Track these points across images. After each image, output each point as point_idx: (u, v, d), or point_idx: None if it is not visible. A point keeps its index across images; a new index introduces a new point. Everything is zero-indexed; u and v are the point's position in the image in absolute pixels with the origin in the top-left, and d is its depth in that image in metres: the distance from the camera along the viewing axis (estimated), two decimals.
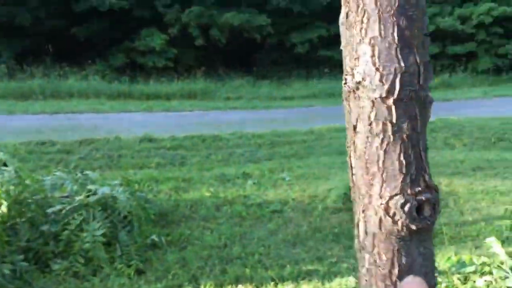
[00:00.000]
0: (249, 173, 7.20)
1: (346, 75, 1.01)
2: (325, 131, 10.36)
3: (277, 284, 3.84)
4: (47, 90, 14.34)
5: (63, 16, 18.15)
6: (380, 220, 0.96)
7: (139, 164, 7.82)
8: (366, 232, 1.00)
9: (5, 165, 4.55)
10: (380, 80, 0.93)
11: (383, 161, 0.94)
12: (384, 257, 0.97)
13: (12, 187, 4.19)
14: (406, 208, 0.93)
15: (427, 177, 0.96)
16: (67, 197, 4.54)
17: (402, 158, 0.93)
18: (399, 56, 0.92)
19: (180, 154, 8.50)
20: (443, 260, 3.70)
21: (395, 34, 0.92)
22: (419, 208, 0.95)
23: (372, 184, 0.97)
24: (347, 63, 1.01)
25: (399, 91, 0.92)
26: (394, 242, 0.95)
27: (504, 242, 4.22)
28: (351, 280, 3.87)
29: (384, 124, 0.93)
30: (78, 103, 13.36)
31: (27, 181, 4.40)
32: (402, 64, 0.92)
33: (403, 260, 0.94)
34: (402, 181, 0.94)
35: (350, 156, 1.02)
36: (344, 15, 0.98)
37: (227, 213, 5.51)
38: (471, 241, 4.66)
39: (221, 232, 4.91)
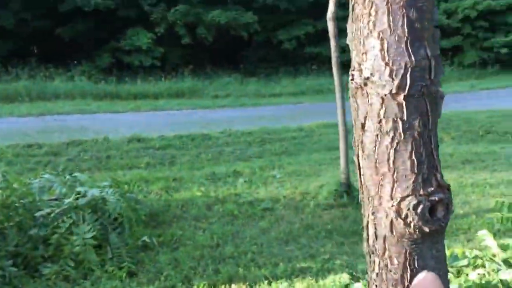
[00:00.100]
0: (240, 171, 7.17)
1: (352, 70, 0.96)
2: (314, 128, 10.36)
3: (270, 282, 3.81)
4: (33, 92, 14.19)
5: (48, 16, 17.94)
6: (391, 223, 0.92)
7: (128, 164, 7.75)
8: (376, 235, 0.96)
9: None
10: (390, 76, 0.88)
11: (394, 161, 0.90)
12: (395, 261, 0.93)
13: None
14: (419, 209, 0.90)
15: (439, 176, 0.92)
16: (55, 200, 4.48)
17: (413, 157, 0.90)
18: (410, 50, 0.88)
19: (169, 153, 8.44)
20: None
21: (405, 27, 0.88)
22: (431, 209, 0.91)
23: (382, 185, 0.93)
24: (353, 58, 0.96)
25: (409, 87, 0.88)
26: (406, 245, 0.92)
27: (495, 234, 4.24)
28: (344, 276, 3.86)
29: (394, 121, 0.89)
30: (65, 104, 13.22)
31: (15, 185, 4.32)
32: (413, 58, 0.88)
33: (416, 263, 0.91)
34: (414, 181, 0.90)
35: (357, 156, 0.97)
36: (351, 9, 0.93)
37: (218, 212, 5.47)
38: (463, 234, 4.68)
39: (213, 231, 4.88)
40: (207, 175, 6.96)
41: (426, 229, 0.89)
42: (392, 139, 0.90)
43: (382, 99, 0.89)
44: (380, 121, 0.90)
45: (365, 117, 0.93)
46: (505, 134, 10.15)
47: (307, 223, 5.11)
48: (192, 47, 19.47)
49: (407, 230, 0.90)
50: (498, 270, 3.29)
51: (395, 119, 0.89)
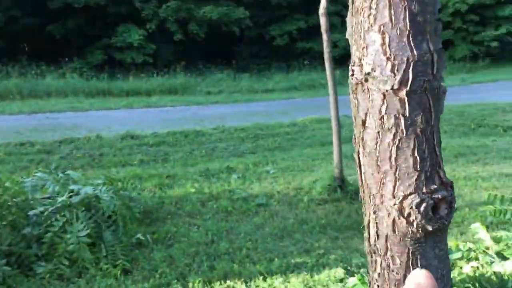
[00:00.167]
0: (233, 167, 7.17)
1: (353, 66, 0.92)
2: (307, 123, 10.37)
3: (265, 278, 3.82)
4: (24, 90, 14.08)
5: (38, 14, 17.79)
6: (394, 222, 0.89)
7: (122, 161, 7.72)
8: (377, 235, 0.92)
9: None
10: (392, 71, 0.85)
11: (396, 158, 0.87)
12: (398, 261, 0.89)
13: None
14: (422, 208, 0.86)
15: (442, 173, 0.89)
16: (48, 198, 4.45)
17: (416, 154, 0.87)
18: (412, 44, 0.85)
19: (163, 150, 8.42)
20: None
21: (407, 20, 0.84)
22: (434, 207, 0.88)
23: (383, 183, 0.89)
24: (353, 53, 0.91)
25: (412, 82, 0.85)
26: (409, 244, 0.89)
27: (488, 227, 4.28)
28: (339, 271, 3.87)
29: (396, 118, 0.86)
30: (57, 102, 13.14)
31: (7, 184, 4.29)
32: (415, 53, 0.85)
33: (419, 263, 0.87)
34: (416, 179, 0.87)
35: (358, 153, 0.94)
36: (351, 2, 0.88)
37: (212, 208, 5.46)
38: (456, 227, 4.70)
39: (207, 228, 4.87)
40: (201, 172, 6.95)
41: (429, 228, 0.86)
42: (394, 136, 0.87)
43: (384, 95, 0.86)
44: (381, 118, 0.87)
45: (366, 114, 0.90)
46: (496, 127, 10.22)
47: (301, 218, 5.12)
48: (184, 43, 19.40)
49: (409, 229, 0.87)
50: (492, 262, 3.32)
51: (397, 115, 0.86)
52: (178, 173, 6.90)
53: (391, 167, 0.87)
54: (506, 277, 3.07)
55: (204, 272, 3.93)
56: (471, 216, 4.94)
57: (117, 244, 4.16)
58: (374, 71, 0.87)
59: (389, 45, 0.85)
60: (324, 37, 5.52)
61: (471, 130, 10.06)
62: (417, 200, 0.86)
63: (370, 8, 0.86)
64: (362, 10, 0.87)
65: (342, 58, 20.02)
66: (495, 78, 18.26)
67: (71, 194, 4.36)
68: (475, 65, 21.52)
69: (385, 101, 0.86)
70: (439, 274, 0.90)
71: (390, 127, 0.86)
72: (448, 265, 0.92)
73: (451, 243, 3.76)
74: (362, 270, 3.72)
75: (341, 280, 3.71)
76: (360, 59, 0.89)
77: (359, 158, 0.93)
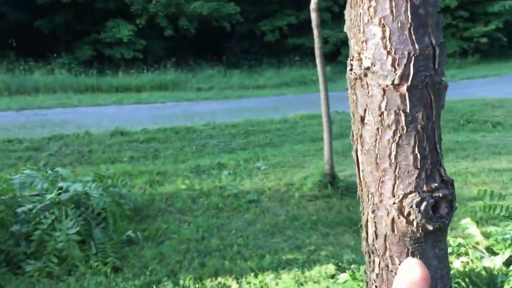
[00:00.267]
0: (224, 164, 7.15)
1: (351, 60, 0.88)
2: (298, 119, 10.37)
3: (257, 274, 3.81)
4: (12, 86, 13.92)
5: (26, 9, 17.59)
6: (393, 221, 0.86)
7: (111, 158, 7.66)
8: (376, 234, 0.90)
9: None
10: (392, 65, 0.82)
11: (396, 155, 0.85)
12: (397, 261, 0.87)
13: None
14: (422, 206, 0.84)
15: (442, 171, 0.87)
16: (37, 195, 4.40)
17: (416, 151, 0.84)
18: (413, 37, 0.82)
19: (153, 147, 8.37)
20: None
21: (408, 13, 0.81)
22: (435, 206, 0.86)
23: (383, 182, 0.87)
24: (352, 47, 0.88)
25: (413, 77, 0.82)
26: (408, 244, 0.87)
27: (478, 222, 4.30)
28: (330, 267, 3.88)
29: (396, 114, 0.83)
30: (45, 98, 13.01)
31: None
32: (417, 47, 0.82)
33: None
34: (417, 177, 0.85)
35: (356, 151, 0.91)
36: None
37: (203, 205, 5.45)
38: None
39: (198, 224, 4.86)
40: (192, 168, 6.92)
41: (430, 227, 0.84)
42: (394, 132, 0.84)
43: (384, 90, 0.84)
44: (381, 114, 0.85)
45: (365, 110, 0.87)
46: (485, 122, 10.29)
47: (292, 215, 5.12)
48: (174, 39, 19.29)
49: (409, 229, 0.85)
50: (481, 257, 3.34)
51: (397, 111, 0.84)
52: (168, 169, 6.87)
53: (390, 165, 0.85)
54: (496, 272, 3.09)
55: (195, 269, 3.92)
56: (461, 211, 4.95)
57: (107, 242, 4.13)
58: (374, 66, 0.84)
59: (389, 39, 0.82)
60: (315, 32, 5.51)
61: (461, 125, 10.13)
62: (418, 199, 0.84)
63: (370, 0, 0.83)
64: (362, 2, 0.84)
65: (333, 55, 20.09)
66: (485, 74, 18.38)
67: (60, 191, 4.32)
68: (464, 61, 21.64)
69: (385, 96, 0.84)
70: (438, 274, 0.89)
71: (390, 124, 0.84)
72: (447, 265, 0.91)
73: None
74: (353, 266, 3.72)
75: (332, 276, 3.72)
76: (359, 53, 0.86)
77: (357, 155, 0.90)
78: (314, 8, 5.39)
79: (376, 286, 0.91)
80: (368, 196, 0.89)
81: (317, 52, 5.59)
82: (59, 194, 4.28)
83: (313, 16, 5.44)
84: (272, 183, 6.13)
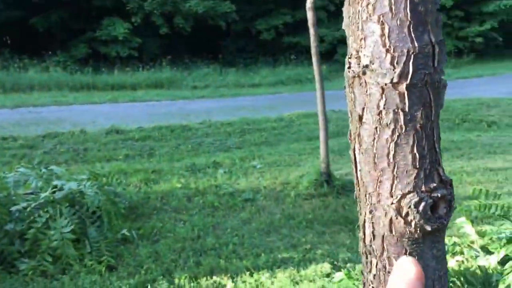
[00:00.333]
0: (220, 162, 7.13)
1: (349, 58, 0.87)
2: (294, 118, 10.36)
3: (252, 273, 3.81)
4: (6, 83, 13.84)
5: (21, 6, 17.48)
6: (391, 221, 0.85)
7: (106, 156, 7.63)
8: (373, 235, 0.88)
9: None
10: (391, 63, 0.81)
11: (394, 155, 0.83)
12: (394, 262, 0.86)
13: None
14: (421, 207, 0.82)
15: (441, 171, 0.86)
16: (31, 193, 4.38)
17: (415, 150, 0.83)
18: (412, 35, 0.81)
19: (148, 145, 8.34)
20: None
21: (408, 10, 0.80)
22: (433, 207, 0.85)
23: (381, 181, 0.86)
24: (350, 44, 0.87)
25: (412, 75, 0.81)
26: (406, 245, 0.86)
27: (473, 222, 4.31)
28: (326, 266, 3.88)
29: (395, 113, 0.82)
30: (40, 96, 12.95)
31: None
32: (416, 44, 0.81)
33: None
34: (415, 177, 0.84)
35: (354, 150, 0.89)
36: None
37: (199, 203, 5.43)
38: None
39: (193, 223, 4.84)
40: (187, 167, 6.90)
41: (428, 228, 0.83)
42: (393, 132, 0.83)
43: (382, 88, 0.83)
44: (379, 113, 0.83)
45: (363, 109, 0.86)
46: (480, 122, 10.32)
47: (288, 213, 5.12)
48: (170, 37, 19.23)
49: (407, 229, 0.84)
50: (477, 256, 3.34)
51: (396, 110, 0.82)
52: (164, 168, 6.85)
53: (389, 165, 0.84)
54: (491, 271, 3.10)
55: (190, 268, 3.91)
56: (456, 210, 4.97)
57: (102, 240, 4.12)
58: (373, 64, 0.82)
59: (388, 36, 0.81)
60: (311, 31, 5.50)
61: (456, 125, 10.15)
62: (416, 199, 0.83)
63: None
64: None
65: (329, 53, 20.08)
66: (480, 74, 18.44)
67: (54, 189, 4.30)
68: (460, 60, 21.68)
69: (383, 95, 0.82)
70: (436, 275, 0.88)
71: (388, 123, 0.82)
72: (445, 266, 0.90)
73: None
74: (348, 265, 3.72)
75: (328, 275, 3.71)
76: (357, 51, 0.85)
77: (355, 155, 0.89)
78: (310, 7, 5.38)
79: (373, 287, 0.90)
80: (365, 196, 0.88)
81: (313, 51, 5.59)
82: (54, 192, 4.26)
83: (309, 15, 5.43)
84: (268, 182, 6.12)
